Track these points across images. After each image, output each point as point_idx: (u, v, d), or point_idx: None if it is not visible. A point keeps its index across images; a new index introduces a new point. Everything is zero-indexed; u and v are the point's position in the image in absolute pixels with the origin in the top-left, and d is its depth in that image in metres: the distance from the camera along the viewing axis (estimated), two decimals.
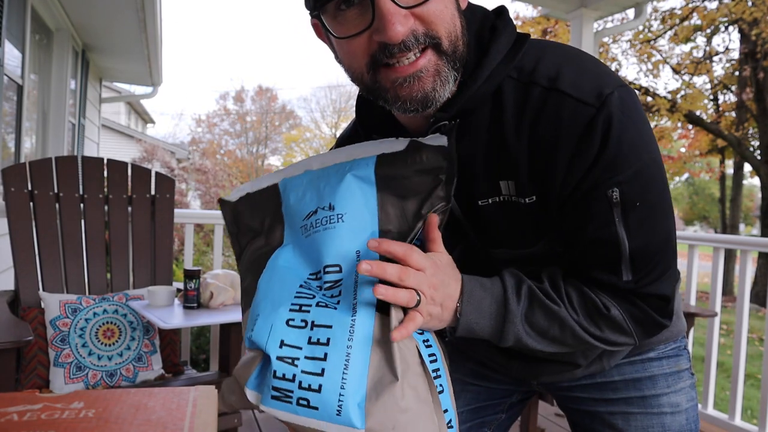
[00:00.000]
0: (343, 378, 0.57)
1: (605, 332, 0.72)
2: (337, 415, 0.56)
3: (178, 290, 2.01)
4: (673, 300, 0.72)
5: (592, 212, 0.67)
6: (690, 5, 9.38)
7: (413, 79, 0.63)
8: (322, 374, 0.58)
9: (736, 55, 9.98)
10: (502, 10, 0.73)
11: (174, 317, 1.76)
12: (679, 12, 9.50)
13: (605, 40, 9.42)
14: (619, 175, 0.64)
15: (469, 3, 0.72)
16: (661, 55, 10.12)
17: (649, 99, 9.77)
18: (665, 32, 9.82)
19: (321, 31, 0.69)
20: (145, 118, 17.33)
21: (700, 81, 10.49)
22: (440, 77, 0.64)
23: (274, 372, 0.59)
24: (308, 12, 0.68)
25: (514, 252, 0.76)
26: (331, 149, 0.92)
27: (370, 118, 0.80)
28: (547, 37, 9.78)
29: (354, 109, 0.83)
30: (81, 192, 2.04)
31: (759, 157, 9.42)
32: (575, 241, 0.70)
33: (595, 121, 0.63)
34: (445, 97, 0.66)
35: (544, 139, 0.66)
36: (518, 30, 0.72)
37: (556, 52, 0.69)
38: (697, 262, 2.65)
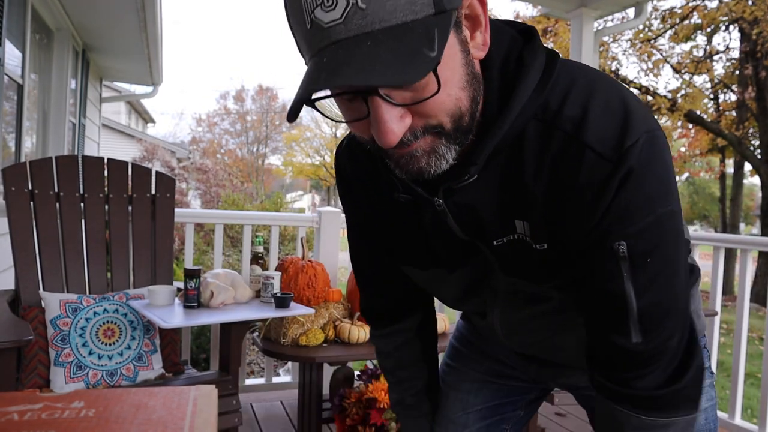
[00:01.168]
0: None
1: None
2: None
3: (179, 289, 2.01)
4: (695, 360, 0.69)
5: (598, 264, 0.64)
6: (690, 4, 9.37)
7: (408, 157, 0.62)
8: None
9: (736, 54, 9.97)
10: (532, 34, 0.68)
11: (174, 316, 1.76)
12: (679, 11, 9.49)
13: (605, 39, 9.41)
14: (629, 228, 0.61)
15: (495, 23, 0.66)
16: (661, 54, 10.11)
17: (650, 98, 9.77)
18: (665, 31, 9.81)
19: None
20: (145, 117, 17.33)
21: (701, 80, 10.48)
22: (436, 154, 0.62)
23: None
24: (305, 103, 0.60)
25: (529, 285, 0.75)
26: (339, 179, 0.87)
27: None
28: (548, 36, 9.77)
29: None
30: (81, 191, 2.04)
31: (759, 156, 9.42)
32: (585, 292, 0.68)
33: (612, 176, 0.60)
34: (442, 168, 0.63)
35: (561, 188, 0.64)
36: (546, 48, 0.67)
37: (586, 85, 0.64)
38: (698, 262, 2.65)
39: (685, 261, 0.67)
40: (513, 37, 0.67)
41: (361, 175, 0.84)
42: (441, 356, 1.11)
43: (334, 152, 0.90)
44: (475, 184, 0.68)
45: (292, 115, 0.57)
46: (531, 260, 0.71)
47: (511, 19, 0.71)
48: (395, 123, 0.57)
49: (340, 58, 0.53)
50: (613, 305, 0.65)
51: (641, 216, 0.61)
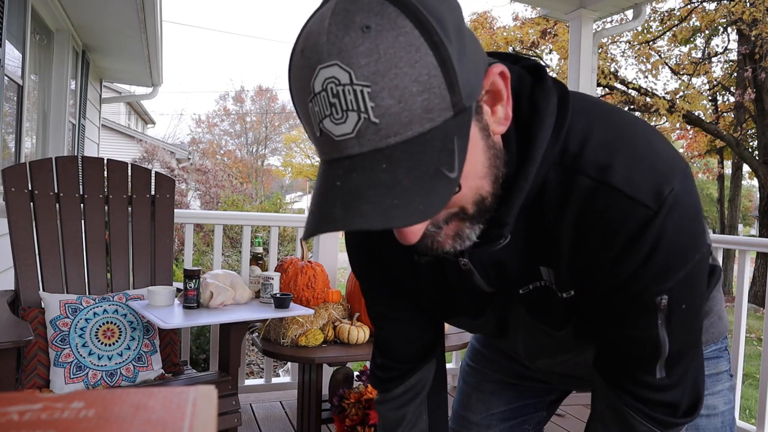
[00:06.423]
0: None
1: None
2: None
3: (178, 290, 2.01)
4: (702, 398, 0.69)
5: (635, 315, 0.63)
6: (689, 6, 9.39)
7: (431, 242, 0.60)
8: None
9: (734, 55, 9.99)
10: (540, 73, 0.63)
11: (174, 317, 1.76)
12: (677, 13, 9.52)
13: (604, 40, 9.42)
14: (670, 282, 0.60)
15: (498, 56, 0.62)
16: (659, 56, 10.13)
17: (648, 99, 9.79)
18: (664, 33, 9.83)
19: None
20: (145, 118, 17.32)
21: (699, 82, 10.51)
22: (460, 237, 0.60)
23: None
24: None
25: (547, 329, 0.74)
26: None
27: None
28: (547, 38, 9.78)
29: None
30: (81, 192, 2.04)
31: (757, 158, 9.43)
32: (611, 336, 0.67)
33: (652, 223, 0.57)
34: (466, 246, 0.61)
35: (589, 235, 0.61)
36: (552, 77, 0.63)
37: (605, 127, 0.61)
38: None
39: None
40: (521, 77, 0.62)
41: (376, 236, 0.80)
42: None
43: None
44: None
45: (309, 237, 0.52)
46: (554, 307, 0.70)
47: (549, 78, 0.65)
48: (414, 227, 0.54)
49: (355, 186, 0.48)
50: (645, 350, 0.64)
51: (682, 267, 0.60)
